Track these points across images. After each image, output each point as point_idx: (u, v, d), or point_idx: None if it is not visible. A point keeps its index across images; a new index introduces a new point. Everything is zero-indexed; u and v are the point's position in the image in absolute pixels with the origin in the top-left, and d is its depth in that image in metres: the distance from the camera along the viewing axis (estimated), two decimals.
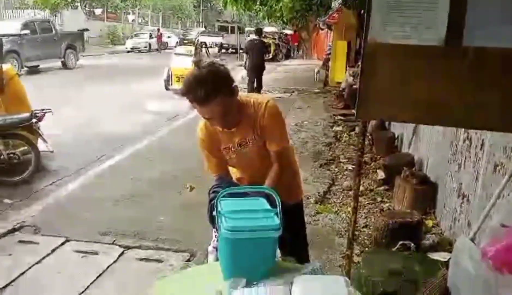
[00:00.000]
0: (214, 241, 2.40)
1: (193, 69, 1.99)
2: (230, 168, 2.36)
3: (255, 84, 11.78)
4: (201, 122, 2.23)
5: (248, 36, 24.94)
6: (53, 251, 3.50)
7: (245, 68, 12.41)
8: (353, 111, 7.77)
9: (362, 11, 10.56)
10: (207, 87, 1.86)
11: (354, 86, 10.47)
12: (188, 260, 3.37)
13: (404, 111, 2.03)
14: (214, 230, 2.35)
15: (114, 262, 3.37)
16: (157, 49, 30.57)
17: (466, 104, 1.92)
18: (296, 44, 31.04)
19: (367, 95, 2.01)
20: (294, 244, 1.98)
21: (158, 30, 32.82)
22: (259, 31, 12.74)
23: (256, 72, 11.72)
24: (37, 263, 3.31)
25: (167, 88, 12.36)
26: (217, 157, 2.27)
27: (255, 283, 1.57)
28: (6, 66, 5.82)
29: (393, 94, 1.99)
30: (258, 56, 11.67)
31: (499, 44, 1.82)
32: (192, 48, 12.63)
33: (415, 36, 1.91)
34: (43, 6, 26.71)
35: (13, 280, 3.06)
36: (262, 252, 1.68)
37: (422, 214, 3.88)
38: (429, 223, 3.90)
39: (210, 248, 2.46)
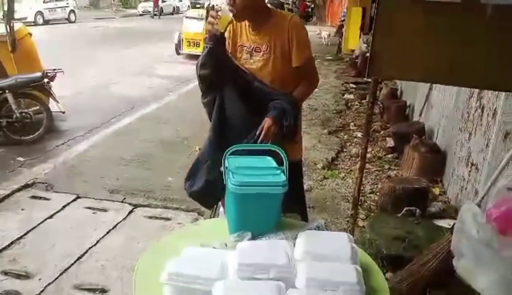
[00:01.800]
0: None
1: None
2: None
3: None
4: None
5: None
6: (64, 207, 3.59)
7: None
8: (365, 79, 7.67)
9: None
10: None
11: (367, 54, 10.29)
12: (196, 219, 3.43)
13: (417, 69, 1.99)
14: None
15: (124, 219, 3.45)
16: (155, 14, 28.87)
17: (485, 64, 1.87)
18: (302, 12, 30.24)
19: (379, 52, 1.97)
20: (294, 200, 2.02)
21: None
22: None
23: None
24: (49, 217, 3.40)
25: (178, 53, 12.29)
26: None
27: (260, 236, 1.60)
28: (18, 26, 5.81)
29: (407, 52, 1.95)
30: None
31: None
32: (204, 12, 12.43)
33: None
34: None
35: (26, 233, 3.16)
36: (268, 208, 1.70)
37: (430, 182, 3.88)
38: (436, 190, 3.90)
39: (221, 209, 2.51)
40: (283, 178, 1.71)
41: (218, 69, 2.12)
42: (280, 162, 1.83)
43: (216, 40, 2.09)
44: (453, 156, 3.91)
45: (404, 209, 3.27)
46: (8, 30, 5.44)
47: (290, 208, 2.04)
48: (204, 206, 2.53)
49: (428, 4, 1.87)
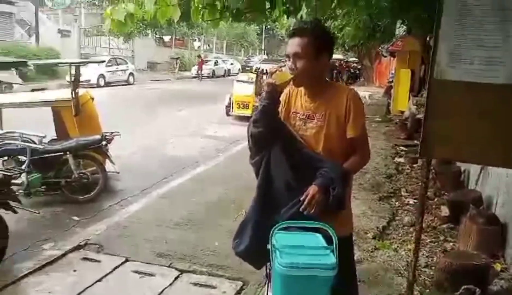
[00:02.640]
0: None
1: None
2: None
3: None
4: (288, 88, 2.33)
5: None
6: (114, 269, 3.65)
7: None
8: (416, 142, 7.50)
9: (428, 38, 10.28)
10: (311, 26, 2.10)
11: (418, 116, 10.13)
12: (241, 289, 3.37)
13: (469, 151, 1.94)
14: None
15: (170, 285, 3.45)
16: (197, 76, 29.38)
17: None
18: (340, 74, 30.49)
19: (432, 134, 1.95)
20: (343, 283, 1.92)
21: (199, 56, 31.38)
22: None
23: None
24: (98, 280, 3.46)
25: (228, 114, 12.69)
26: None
27: None
28: (82, 91, 6.27)
29: (460, 134, 1.91)
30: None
31: None
32: (254, 76, 12.91)
33: (484, 74, 1.83)
34: (118, 34, 28.63)
35: None
36: (316, 291, 1.65)
37: (490, 256, 3.62)
38: (497, 266, 3.62)
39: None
40: (332, 259, 1.66)
41: (270, 128, 2.14)
42: (329, 239, 1.79)
43: (272, 99, 2.13)
44: None
45: (462, 288, 3.04)
46: (73, 95, 5.89)
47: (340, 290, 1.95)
48: (252, 265, 2.44)
49: (479, 85, 1.85)
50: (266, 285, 2.52)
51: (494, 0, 1.83)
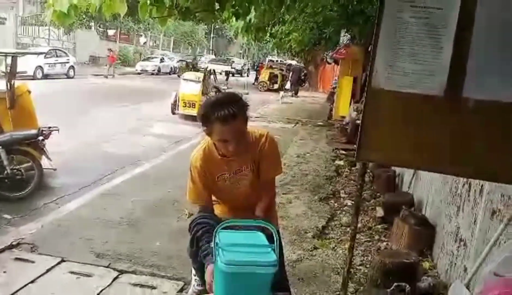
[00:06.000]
0: (193, 285, 2.44)
1: (214, 93, 2.30)
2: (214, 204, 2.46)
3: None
4: (200, 149, 2.36)
5: None
6: (48, 270, 3.50)
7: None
8: (355, 146, 7.86)
9: (370, 48, 10.77)
10: (234, 106, 2.06)
11: (358, 121, 10.56)
12: (182, 289, 3.35)
13: (403, 157, 2.09)
14: (193, 273, 2.40)
15: (108, 286, 3.36)
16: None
17: (463, 154, 1.97)
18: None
19: (368, 139, 2.07)
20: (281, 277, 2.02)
21: (110, 50, 26.24)
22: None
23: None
24: (31, 282, 3.30)
25: (173, 113, 12.53)
26: (205, 186, 2.36)
27: None
28: (18, 83, 5.94)
29: (394, 140, 2.05)
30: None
31: (495, 97, 1.89)
32: (201, 75, 12.84)
33: (417, 85, 1.98)
34: (59, 25, 27.27)
35: None
36: (258, 287, 1.70)
37: (419, 255, 3.87)
38: (426, 265, 3.88)
39: (190, 291, 2.48)
40: (273, 257, 1.72)
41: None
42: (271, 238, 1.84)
43: None
44: (442, 229, 3.94)
45: (394, 285, 3.23)
46: (9, 87, 5.57)
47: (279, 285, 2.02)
48: None
49: (412, 95, 1.99)
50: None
51: (428, 18, 1.99)
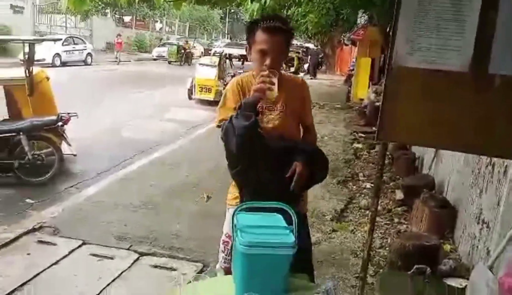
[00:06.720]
0: (221, 261, 2.42)
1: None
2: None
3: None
4: (238, 78, 2.32)
5: None
6: (70, 253, 3.57)
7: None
8: (374, 128, 7.74)
9: (388, 29, 10.52)
10: (282, 23, 2.13)
11: (377, 104, 10.40)
12: (201, 270, 3.38)
13: (425, 136, 2.02)
14: (221, 249, 2.38)
15: (129, 267, 3.41)
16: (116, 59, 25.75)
17: (487, 131, 1.90)
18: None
19: (388, 118, 2.01)
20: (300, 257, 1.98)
21: (119, 35, 26.34)
22: None
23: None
24: (54, 264, 3.37)
25: (190, 98, 12.54)
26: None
27: None
28: (36, 70, 6.00)
29: (415, 119, 1.99)
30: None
31: None
32: (217, 59, 12.78)
33: (440, 61, 1.91)
34: (75, 12, 27.39)
35: (30, 280, 3.12)
36: (277, 269, 1.68)
37: (440, 238, 3.81)
38: (447, 247, 3.82)
39: (218, 266, 2.47)
40: (292, 238, 1.70)
41: (252, 142, 2.06)
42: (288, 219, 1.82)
43: (255, 112, 2.03)
44: (464, 212, 3.86)
45: (414, 267, 3.19)
46: (28, 74, 5.63)
47: (298, 267, 2.00)
48: None
49: (436, 72, 1.92)
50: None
51: None
